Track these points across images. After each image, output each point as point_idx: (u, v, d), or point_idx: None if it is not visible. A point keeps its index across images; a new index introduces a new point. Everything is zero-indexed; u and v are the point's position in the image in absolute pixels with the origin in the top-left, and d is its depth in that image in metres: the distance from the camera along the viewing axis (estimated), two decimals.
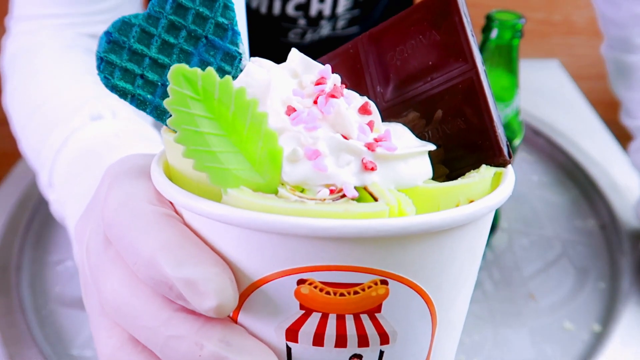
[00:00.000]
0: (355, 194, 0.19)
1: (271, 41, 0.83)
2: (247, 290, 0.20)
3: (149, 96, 0.22)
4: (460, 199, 0.21)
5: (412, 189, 0.21)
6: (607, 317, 0.50)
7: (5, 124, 0.52)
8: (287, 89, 0.21)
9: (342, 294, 0.19)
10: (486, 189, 0.22)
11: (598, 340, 0.48)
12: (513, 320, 0.50)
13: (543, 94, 0.85)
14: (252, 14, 0.79)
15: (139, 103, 0.22)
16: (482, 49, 0.48)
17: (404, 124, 0.23)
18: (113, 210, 0.21)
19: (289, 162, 0.20)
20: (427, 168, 0.22)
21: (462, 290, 0.22)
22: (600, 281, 0.54)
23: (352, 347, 0.20)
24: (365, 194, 0.20)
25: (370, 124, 0.22)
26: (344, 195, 0.19)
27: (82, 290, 0.25)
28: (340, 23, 0.83)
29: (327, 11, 0.78)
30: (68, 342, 0.48)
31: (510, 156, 0.23)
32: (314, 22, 0.79)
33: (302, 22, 0.79)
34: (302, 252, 0.18)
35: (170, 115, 0.19)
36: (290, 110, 0.21)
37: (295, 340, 0.20)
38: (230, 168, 0.19)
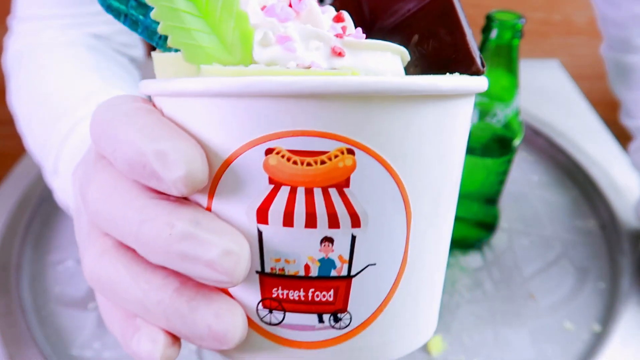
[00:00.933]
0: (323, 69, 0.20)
1: None
2: (219, 172, 0.20)
3: (140, 17, 0.23)
4: None
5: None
6: (607, 317, 0.50)
7: (5, 124, 0.52)
8: None
9: (309, 164, 0.19)
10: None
11: (598, 340, 0.48)
12: (513, 320, 0.50)
13: (543, 94, 0.85)
14: None
15: (132, 23, 0.23)
16: (481, 49, 0.47)
17: None
18: (99, 117, 0.21)
19: (261, 46, 0.20)
20: (397, 67, 0.22)
21: (437, 186, 0.22)
22: (601, 281, 0.54)
23: (323, 228, 0.20)
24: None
25: (344, 29, 0.22)
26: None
27: (75, 228, 0.26)
28: None
29: None
30: (68, 342, 0.48)
31: (483, 65, 0.24)
32: None
33: None
34: (267, 117, 0.19)
35: (161, 37, 0.21)
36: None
37: (266, 222, 0.20)
38: (204, 45, 0.20)
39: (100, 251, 0.22)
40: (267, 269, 0.21)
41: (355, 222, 0.20)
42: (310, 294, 0.21)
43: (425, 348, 0.47)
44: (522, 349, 0.47)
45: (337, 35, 0.21)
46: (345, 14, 0.23)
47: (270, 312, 0.21)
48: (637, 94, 0.61)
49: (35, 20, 0.53)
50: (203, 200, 0.21)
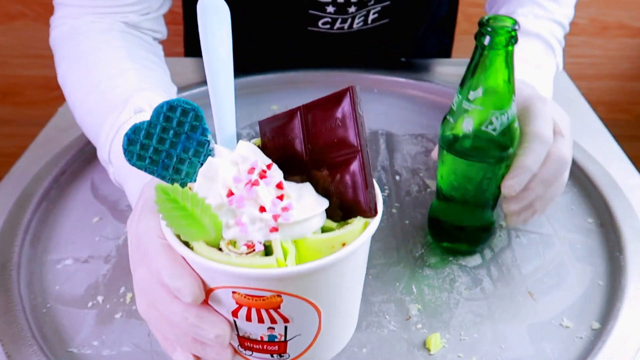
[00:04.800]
0: (262, 248, 0.33)
1: (299, 30, 0.83)
2: (209, 290, 0.34)
3: (154, 168, 0.36)
4: (335, 243, 0.33)
5: (303, 240, 0.33)
6: (606, 314, 0.50)
7: (5, 124, 0.52)
8: (230, 176, 0.34)
9: (255, 300, 0.33)
10: (356, 234, 0.34)
11: (597, 337, 0.48)
12: (512, 318, 0.50)
13: None
14: (280, 0, 0.79)
15: (150, 172, 0.36)
16: (474, 56, 0.46)
17: (318, 178, 0.36)
18: (139, 238, 0.37)
19: (226, 227, 0.33)
20: (315, 223, 0.34)
21: (338, 294, 0.35)
22: (599, 279, 0.54)
23: (267, 323, 0.34)
24: (271, 246, 0.33)
25: (281, 197, 0.34)
26: (254, 249, 0.32)
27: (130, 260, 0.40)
28: (371, 17, 0.83)
29: None
30: (68, 340, 0.48)
31: (376, 211, 0.34)
32: (342, 9, 0.79)
33: (330, 9, 0.79)
34: (229, 280, 0.32)
35: (168, 179, 0.36)
36: (230, 193, 0.33)
37: (237, 317, 0.34)
38: (192, 231, 0.33)
39: (146, 306, 0.37)
40: (241, 334, 0.36)
41: (286, 320, 0.34)
42: (264, 346, 0.36)
43: (423, 345, 0.47)
44: (520, 346, 0.47)
45: (273, 217, 0.33)
46: (284, 183, 0.34)
47: (245, 350, 0.37)
48: None
49: (74, 7, 0.64)
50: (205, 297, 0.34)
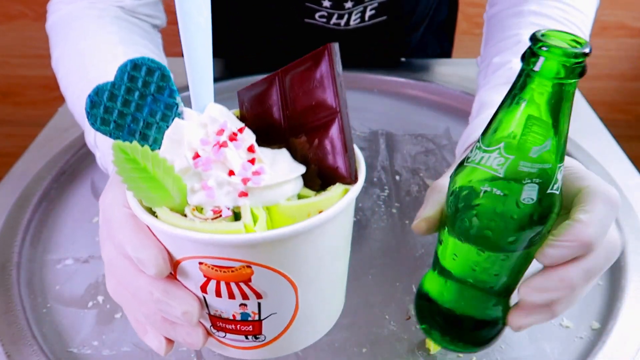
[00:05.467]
0: (229, 214, 0.30)
1: (296, 23, 0.83)
2: (176, 263, 0.32)
3: (120, 133, 0.33)
4: (311, 211, 0.31)
5: (275, 206, 0.31)
6: (606, 314, 0.50)
7: (5, 124, 0.52)
8: (197, 138, 0.32)
9: (224, 271, 0.30)
10: (334, 201, 0.31)
11: (597, 337, 0.48)
12: None
13: None
14: None
15: (115, 138, 0.33)
16: (516, 85, 0.32)
17: (296, 145, 0.34)
18: (104, 209, 0.35)
19: (191, 192, 0.31)
20: (288, 189, 0.31)
21: (315, 268, 0.32)
22: (599, 279, 0.54)
23: (239, 299, 0.32)
24: (240, 212, 0.30)
25: (252, 160, 0.31)
26: (221, 215, 0.30)
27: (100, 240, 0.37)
28: (369, 13, 0.82)
29: None
30: (67, 340, 0.48)
31: (356, 178, 0.32)
32: (339, 4, 0.79)
33: (326, 3, 0.79)
34: (195, 249, 0.30)
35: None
36: (196, 155, 0.31)
37: (206, 293, 0.32)
38: (154, 196, 0.30)
39: (114, 285, 0.35)
40: (212, 313, 0.34)
41: (259, 296, 0.32)
42: (237, 326, 0.34)
43: (423, 345, 0.47)
44: (520, 346, 0.47)
45: (243, 180, 0.30)
46: (255, 146, 0.32)
47: (218, 331, 0.35)
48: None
49: None
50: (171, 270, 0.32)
